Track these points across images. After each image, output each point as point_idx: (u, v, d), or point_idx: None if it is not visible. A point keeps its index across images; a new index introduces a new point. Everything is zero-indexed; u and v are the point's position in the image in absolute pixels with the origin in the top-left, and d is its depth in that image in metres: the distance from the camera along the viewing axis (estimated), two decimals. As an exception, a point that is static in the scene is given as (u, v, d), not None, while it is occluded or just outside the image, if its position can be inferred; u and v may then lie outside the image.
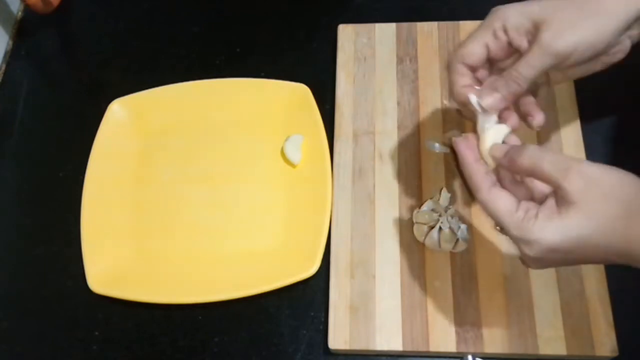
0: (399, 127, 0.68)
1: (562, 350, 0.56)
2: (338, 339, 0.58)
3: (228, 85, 0.72)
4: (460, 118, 0.67)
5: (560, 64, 0.50)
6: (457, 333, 0.57)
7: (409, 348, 0.57)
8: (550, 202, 0.46)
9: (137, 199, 0.69)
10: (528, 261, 0.48)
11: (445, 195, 0.61)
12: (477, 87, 0.53)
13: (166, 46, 0.79)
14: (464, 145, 0.50)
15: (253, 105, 0.71)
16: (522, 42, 0.51)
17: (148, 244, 0.66)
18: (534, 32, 0.50)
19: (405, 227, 0.63)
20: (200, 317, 0.62)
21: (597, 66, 0.54)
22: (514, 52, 0.53)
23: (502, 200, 0.47)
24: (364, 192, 0.65)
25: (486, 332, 0.57)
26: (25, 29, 0.82)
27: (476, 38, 0.52)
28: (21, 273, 0.67)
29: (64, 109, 0.77)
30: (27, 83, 0.78)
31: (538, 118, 0.54)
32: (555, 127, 0.65)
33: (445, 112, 0.68)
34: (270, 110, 0.71)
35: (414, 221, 0.61)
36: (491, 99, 0.51)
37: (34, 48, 0.81)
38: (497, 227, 0.50)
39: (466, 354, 0.56)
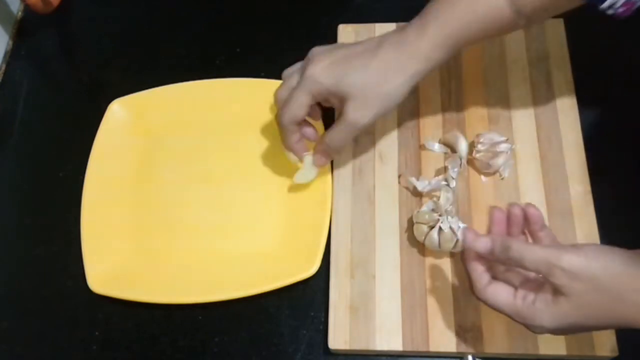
0: (399, 127, 0.68)
1: (562, 350, 0.56)
2: (338, 339, 0.58)
3: (228, 85, 0.72)
4: (460, 119, 0.67)
5: (364, 130, 0.58)
6: (457, 333, 0.58)
7: (409, 348, 0.57)
8: (547, 287, 0.48)
9: (137, 199, 0.69)
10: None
11: (445, 196, 0.61)
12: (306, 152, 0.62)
13: (166, 46, 0.79)
14: (471, 238, 0.51)
15: (253, 105, 0.71)
16: (333, 104, 0.59)
17: (148, 244, 0.66)
18: (341, 99, 0.57)
19: (405, 227, 0.63)
20: (200, 317, 0.62)
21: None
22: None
23: (499, 295, 0.50)
24: (364, 192, 0.65)
25: (486, 332, 0.57)
26: (25, 29, 0.82)
27: (298, 100, 0.58)
28: (21, 273, 0.67)
29: (64, 109, 0.77)
30: (27, 83, 0.78)
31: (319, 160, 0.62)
32: (555, 127, 0.65)
33: (445, 112, 0.68)
34: (270, 110, 0.71)
35: (414, 221, 0.61)
36: (318, 160, 0.62)
37: (34, 48, 0.81)
38: None
39: (466, 354, 0.56)
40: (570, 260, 0.46)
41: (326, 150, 0.61)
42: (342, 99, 0.57)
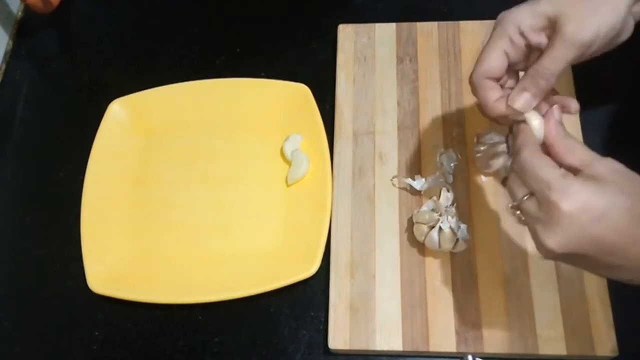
0: (399, 127, 0.68)
1: (562, 350, 0.56)
2: (338, 339, 0.58)
3: (228, 85, 0.72)
4: (460, 119, 0.67)
5: (584, 53, 0.50)
6: (457, 333, 0.57)
7: (409, 348, 0.57)
8: (584, 173, 0.45)
9: (137, 199, 0.69)
10: (547, 240, 0.45)
11: (445, 195, 0.61)
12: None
13: (166, 46, 0.79)
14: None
15: (253, 105, 0.71)
16: (541, 39, 0.51)
17: (148, 244, 0.66)
18: (552, 27, 0.50)
19: (405, 227, 0.63)
20: (200, 317, 0.62)
21: (606, 48, 0.53)
22: (530, 54, 0.53)
23: (545, 159, 0.46)
24: (364, 192, 0.65)
25: (486, 332, 0.57)
26: (25, 29, 0.82)
27: (494, 49, 0.51)
28: (21, 273, 0.67)
29: (64, 109, 0.77)
30: (27, 83, 0.78)
31: (573, 106, 0.53)
32: (555, 127, 0.65)
33: (445, 112, 0.68)
34: (270, 110, 0.71)
35: (414, 221, 0.61)
36: (522, 100, 0.50)
37: (34, 48, 0.81)
38: (513, 208, 0.48)
39: (466, 354, 0.56)
40: (607, 162, 0.45)
41: (534, 85, 0.50)
42: (553, 20, 0.49)
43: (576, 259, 0.45)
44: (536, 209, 0.45)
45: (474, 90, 0.53)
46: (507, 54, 0.51)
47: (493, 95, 0.52)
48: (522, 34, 0.51)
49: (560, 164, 0.46)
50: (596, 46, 0.50)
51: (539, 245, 0.46)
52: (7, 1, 0.81)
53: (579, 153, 0.46)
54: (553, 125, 0.48)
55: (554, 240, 0.44)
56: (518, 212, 0.47)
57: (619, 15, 0.50)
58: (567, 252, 0.44)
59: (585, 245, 0.44)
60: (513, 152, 0.49)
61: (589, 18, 0.49)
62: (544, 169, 0.45)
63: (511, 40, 0.51)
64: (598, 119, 0.68)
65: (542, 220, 0.44)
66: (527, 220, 0.46)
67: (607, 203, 0.43)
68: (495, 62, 0.51)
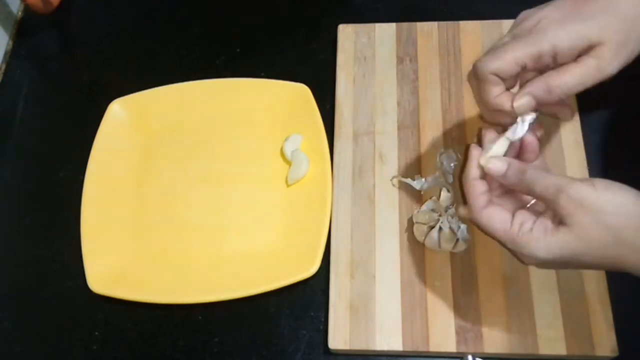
0: (399, 127, 0.68)
1: (562, 350, 0.56)
2: (338, 339, 0.58)
3: (228, 85, 0.72)
4: (459, 119, 0.67)
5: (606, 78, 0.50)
6: (457, 333, 0.57)
7: (409, 348, 0.57)
8: (546, 216, 0.47)
9: (137, 198, 0.69)
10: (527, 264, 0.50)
11: (445, 195, 0.61)
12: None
13: (166, 46, 0.79)
14: (475, 154, 0.51)
15: (253, 105, 0.71)
16: (570, 60, 0.50)
17: (148, 244, 0.66)
18: (587, 50, 0.49)
19: (405, 227, 0.63)
20: (200, 317, 0.62)
21: None
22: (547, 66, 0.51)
23: (495, 218, 0.49)
24: (364, 192, 0.65)
25: (486, 332, 0.57)
26: (25, 29, 0.82)
27: (515, 55, 0.50)
28: (21, 273, 0.67)
29: (64, 109, 0.77)
30: (27, 83, 0.78)
31: (566, 113, 0.55)
32: (555, 127, 0.65)
33: (445, 112, 0.68)
34: (270, 110, 0.71)
35: (414, 221, 0.61)
36: (525, 104, 0.51)
37: (34, 48, 0.81)
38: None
39: (466, 354, 0.56)
40: (579, 189, 0.44)
41: (543, 93, 0.50)
42: (593, 45, 0.48)
43: (563, 265, 0.48)
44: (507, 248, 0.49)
45: (477, 79, 0.52)
46: (525, 64, 0.50)
47: (496, 91, 0.52)
48: (554, 56, 0.49)
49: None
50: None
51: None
52: (7, 1, 0.81)
53: (538, 191, 0.47)
54: (509, 170, 0.49)
55: (547, 253, 0.46)
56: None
57: None
58: (555, 261, 0.47)
59: (560, 268, 0.48)
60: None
61: (625, 47, 0.49)
62: (497, 232, 0.49)
63: (539, 56, 0.49)
64: (598, 119, 0.68)
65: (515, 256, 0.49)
66: (511, 244, 0.49)
67: (564, 257, 0.46)
68: (511, 66, 0.50)
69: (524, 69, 0.51)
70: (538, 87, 0.50)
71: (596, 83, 0.50)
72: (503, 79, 0.51)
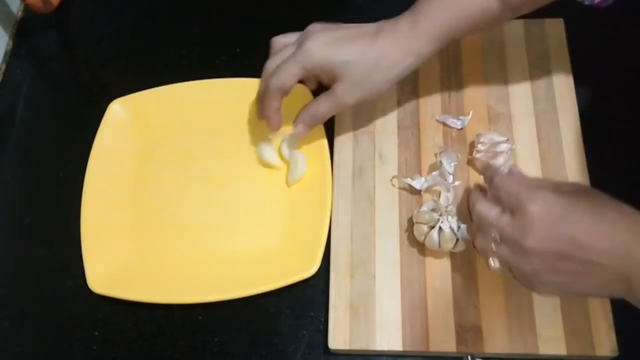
0: (399, 127, 0.68)
1: (562, 350, 0.56)
2: (338, 338, 0.58)
3: (228, 85, 0.72)
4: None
5: (348, 108, 0.64)
6: (457, 333, 0.57)
7: (409, 348, 0.57)
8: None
9: (137, 199, 0.69)
10: (525, 242, 0.49)
11: (445, 195, 0.61)
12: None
13: (166, 46, 0.79)
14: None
15: (253, 105, 0.71)
16: (322, 78, 0.62)
17: (148, 244, 0.66)
18: (332, 77, 0.60)
19: (405, 227, 0.63)
20: (200, 317, 0.62)
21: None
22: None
23: (513, 179, 0.53)
24: (364, 192, 0.65)
25: (486, 332, 0.57)
26: (25, 29, 0.82)
27: (291, 73, 0.60)
28: (21, 273, 0.67)
29: (64, 109, 0.77)
30: (27, 83, 0.78)
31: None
32: (555, 127, 0.65)
33: (445, 112, 0.68)
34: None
35: (414, 221, 0.61)
36: (300, 129, 0.63)
37: (34, 48, 0.81)
38: (492, 227, 0.52)
39: (466, 354, 0.56)
40: (531, 208, 0.48)
41: (308, 120, 0.63)
42: (335, 77, 0.60)
43: (557, 262, 0.48)
44: (509, 219, 0.50)
45: (263, 99, 0.63)
46: (298, 77, 0.61)
47: (275, 105, 0.63)
48: (313, 69, 0.60)
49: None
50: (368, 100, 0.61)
51: (518, 259, 0.50)
52: (7, 1, 0.81)
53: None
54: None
55: (531, 239, 0.48)
56: (493, 234, 0.51)
57: (388, 84, 0.60)
58: (546, 250, 0.48)
59: (560, 242, 0.47)
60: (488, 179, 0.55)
61: (361, 89, 0.60)
62: (514, 185, 0.51)
63: (305, 69, 0.60)
64: (598, 119, 0.68)
65: (517, 227, 0.49)
66: (503, 234, 0.50)
67: (566, 204, 0.48)
68: (288, 81, 0.61)
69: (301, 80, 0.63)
70: (304, 116, 0.63)
71: (340, 110, 0.64)
72: (284, 94, 0.62)
